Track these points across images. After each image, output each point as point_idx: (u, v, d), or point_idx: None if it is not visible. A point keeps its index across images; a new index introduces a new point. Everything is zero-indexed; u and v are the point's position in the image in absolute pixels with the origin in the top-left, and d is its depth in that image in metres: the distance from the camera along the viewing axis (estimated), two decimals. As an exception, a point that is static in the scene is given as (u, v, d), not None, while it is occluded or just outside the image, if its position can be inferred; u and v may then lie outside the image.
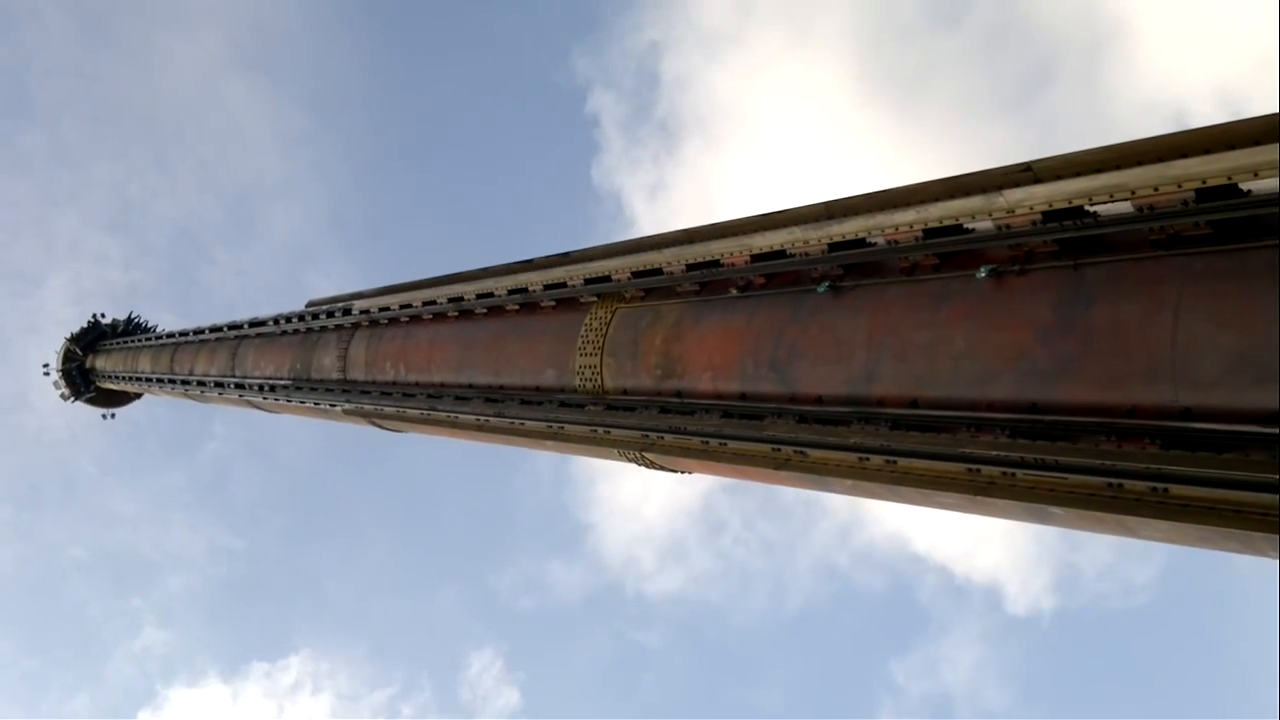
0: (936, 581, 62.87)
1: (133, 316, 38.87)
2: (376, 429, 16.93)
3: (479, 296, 12.98)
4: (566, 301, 11.47)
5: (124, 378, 33.35)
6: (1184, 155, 5.39)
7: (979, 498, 6.42)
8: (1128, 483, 5.56)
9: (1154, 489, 5.44)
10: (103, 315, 38.65)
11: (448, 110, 74.94)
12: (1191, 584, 59.38)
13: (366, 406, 15.62)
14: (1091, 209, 6.03)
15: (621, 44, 70.50)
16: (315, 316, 18.11)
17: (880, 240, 7.56)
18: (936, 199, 6.97)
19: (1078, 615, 58.63)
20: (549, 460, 67.25)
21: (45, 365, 38.06)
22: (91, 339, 37.80)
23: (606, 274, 10.70)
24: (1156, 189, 5.58)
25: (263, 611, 72.61)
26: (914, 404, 6.97)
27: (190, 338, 26.25)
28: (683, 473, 10.37)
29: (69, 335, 37.89)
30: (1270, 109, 5.07)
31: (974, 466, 6.45)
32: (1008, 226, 6.52)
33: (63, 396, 37.92)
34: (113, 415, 38.96)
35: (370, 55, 75.56)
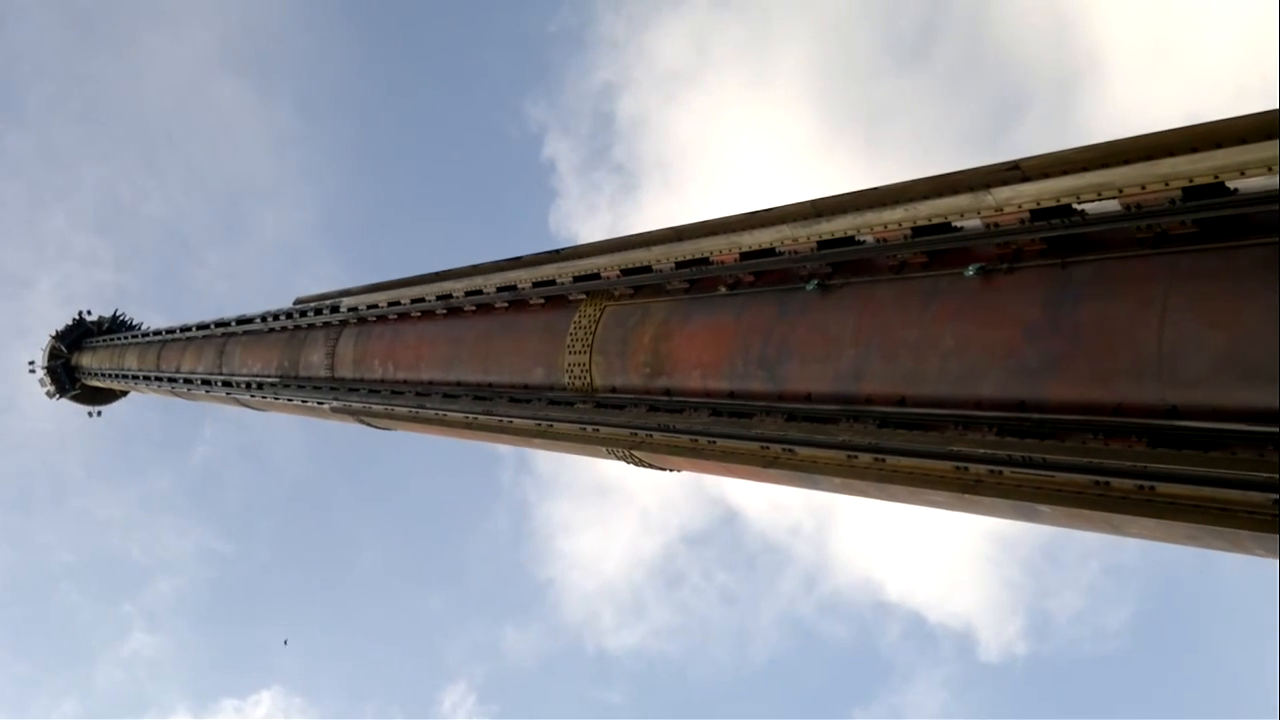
0: (907, 628, 62.82)
1: (118, 314, 38.80)
2: (365, 427, 16.87)
3: (468, 294, 12.93)
4: (555, 299, 11.44)
5: (110, 375, 33.19)
6: (1171, 154, 5.41)
7: (967, 495, 6.43)
8: (1115, 481, 5.58)
9: (1141, 487, 5.46)
10: (88, 312, 38.61)
11: (421, 126, 74.36)
12: (1164, 629, 59.58)
13: (355, 404, 15.55)
14: (1079, 207, 6.04)
15: (575, 87, 69.59)
16: (303, 314, 18.02)
17: (869, 238, 7.56)
18: (925, 197, 6.97)
19: (1049, 661, 58.83)
20: (508, 513, 66.78)
21: (31, 362, 38.03)
22: (77, 336, 37.72)
23: (595, 271, 10.67)
24: (1144, 187, 5.59)
25: (239, 638, 71.95)
26: (902, 402, 6.97)
27: (177, 335, 26.09)
28: (671, 470, 10.37)
29: (54, 332, 37.80)
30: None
31: (962, 464, 6.45)
32: (996, 225, 6.53)
33: (48, 394, 37.90)
34: (99, 413, 38.91)
35: (358, 56, 75.16)
